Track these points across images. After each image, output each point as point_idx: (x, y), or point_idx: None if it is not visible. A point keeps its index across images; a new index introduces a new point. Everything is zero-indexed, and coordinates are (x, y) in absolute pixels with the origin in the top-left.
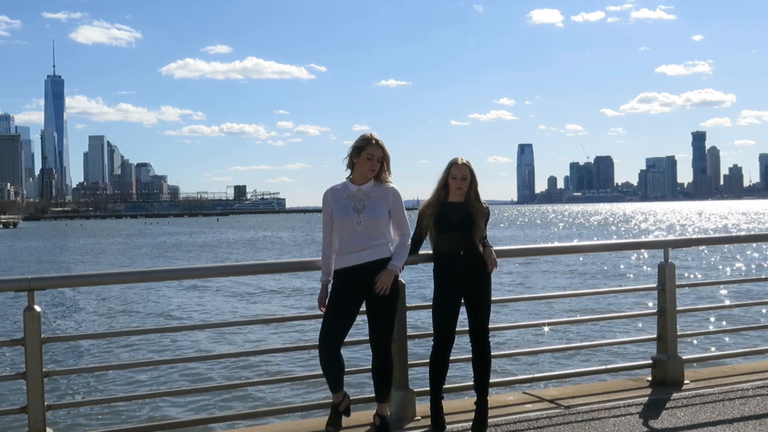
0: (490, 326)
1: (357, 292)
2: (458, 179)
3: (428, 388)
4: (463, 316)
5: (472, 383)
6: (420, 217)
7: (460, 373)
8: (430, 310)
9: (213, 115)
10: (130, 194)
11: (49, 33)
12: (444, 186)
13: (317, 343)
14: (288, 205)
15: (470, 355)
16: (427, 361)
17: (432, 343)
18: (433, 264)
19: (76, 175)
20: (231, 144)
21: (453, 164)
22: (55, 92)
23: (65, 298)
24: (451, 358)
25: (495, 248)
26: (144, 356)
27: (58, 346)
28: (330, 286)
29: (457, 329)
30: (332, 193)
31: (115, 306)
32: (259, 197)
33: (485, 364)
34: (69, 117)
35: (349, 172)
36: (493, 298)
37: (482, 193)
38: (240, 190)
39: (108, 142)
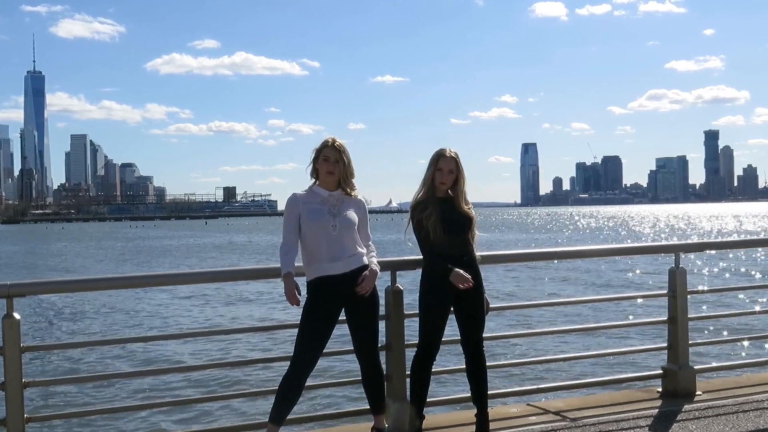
0: (495, 334)
1: (338, 304)
2: (444, 172)
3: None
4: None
5: (469, 395)
6: (417, 222)
7: (458, 383)
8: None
9: (201, 113)
10: (114, 196)
11: (28, 27)
12: (433, 181)
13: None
14: (279, 207)
15: (463, 366)
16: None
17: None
18: (425, 267)
19: (57, 175)
20: (220, 143)
21: (440, 156)
22: (35, 89)
23: (46, 305)
24: (446, 368)
25: (497, 252)
26: (128, 366)
27: (38, 356)
28: (297, 284)
29: (443, 338)
30: (301, 197)
31: (99, 313)
32: (250, 199)
33: (483, 374)
34: (50, 115)
35: (313, 180)
36: (495, 305)
37: (483, 195)
38: (229, 192)
39: (91, 141)
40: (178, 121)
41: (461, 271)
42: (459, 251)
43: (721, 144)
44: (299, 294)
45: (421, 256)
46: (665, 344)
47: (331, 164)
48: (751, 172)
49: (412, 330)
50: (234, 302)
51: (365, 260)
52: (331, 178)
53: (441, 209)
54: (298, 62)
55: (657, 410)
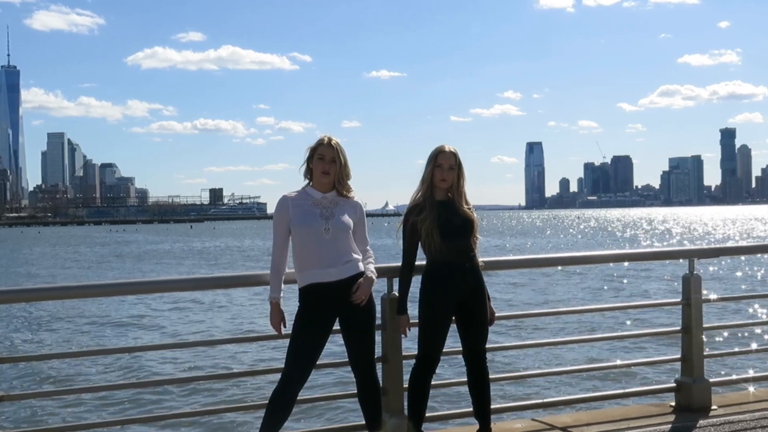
0: (497, 345)
1: (331, 313)
2: (445, 169)
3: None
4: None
5: (471, 409)
6: (411, 226)
7: (459, 397)
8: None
9: (185, 110)
10: (94, 198)
11: (1, 19)
12: (431, 182)
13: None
14: (269, 210)
15: (464, 379)
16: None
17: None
18: (425, 275)
19: (33, 176)
20: (205, 142)
21: (439, 152)
22: (9, 84)
23: (20, 314)
24: (446, 381)
25: (500, 258)
26: (108, 378)
27: (11, 368)
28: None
29: (444, 349)
30: (292, 200)
31: (76, 323)
32: (238, 201)
33: (485, 387)
34: (25, 112)
35: (307, 181)
36: (499, 314)
37: (485, 198)
38: (216, 194)
39: (68, 140)
40: (161, 119)
41: (406, 322)
42: (460, 257)
43: (737, 143)
44: (284, 326)
45: (420, 262)
46: (679, 355)
47: (327, 163)
48: None
49: (410, 340)
50: (220, 311)
51: (361, 267)
52: (326, 179)
53: (438, 212)
54: (288, 56)
55: (670, 425)
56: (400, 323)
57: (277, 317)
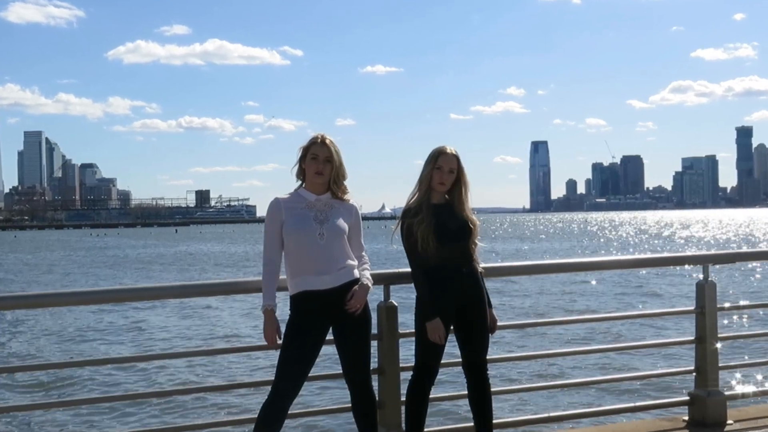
0: (500, 356)
1: (325, 323)
2: (444, 171)
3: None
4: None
5: (472, 424)
6: (407, 228)
7: (460, 411)
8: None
9: (169, 108)
10: (73, 200)
11: None
12: (429, 183)
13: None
14: (259, 213)
15: (465, 392)
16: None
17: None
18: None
19: (8, 177)
20: (191, 141)
21: (441, 153)
22: None
23: None
24: (446, 394)
25: (502, 264)
26: (89, 391)
27: None
28: (277, 311)
29: (443, 360)
30: (284, 203)
31: (55, 332)
32: (225, 204)
33: (487, 401)
34: (0, 110)
35: (299, 183)
36: (502, 323)
37: (488, 200)
38: (202, 196)
39: (46, 138)
40: (144, 117)
41: (440, 325)
42: (457, 261)
43: (755, 142)
44: (279, 337)
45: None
46: (692, 367)
47: (320, 164)
48: None
49: (407, 351)
50: (206, 320)
51: (356, 273)
52: (320, 180)
53: (435, 216)
54: (278, 50)
55: None
56: (433, 329)
57: (271, 327)
